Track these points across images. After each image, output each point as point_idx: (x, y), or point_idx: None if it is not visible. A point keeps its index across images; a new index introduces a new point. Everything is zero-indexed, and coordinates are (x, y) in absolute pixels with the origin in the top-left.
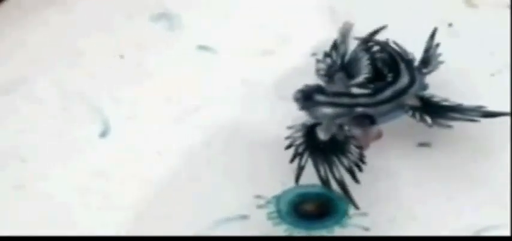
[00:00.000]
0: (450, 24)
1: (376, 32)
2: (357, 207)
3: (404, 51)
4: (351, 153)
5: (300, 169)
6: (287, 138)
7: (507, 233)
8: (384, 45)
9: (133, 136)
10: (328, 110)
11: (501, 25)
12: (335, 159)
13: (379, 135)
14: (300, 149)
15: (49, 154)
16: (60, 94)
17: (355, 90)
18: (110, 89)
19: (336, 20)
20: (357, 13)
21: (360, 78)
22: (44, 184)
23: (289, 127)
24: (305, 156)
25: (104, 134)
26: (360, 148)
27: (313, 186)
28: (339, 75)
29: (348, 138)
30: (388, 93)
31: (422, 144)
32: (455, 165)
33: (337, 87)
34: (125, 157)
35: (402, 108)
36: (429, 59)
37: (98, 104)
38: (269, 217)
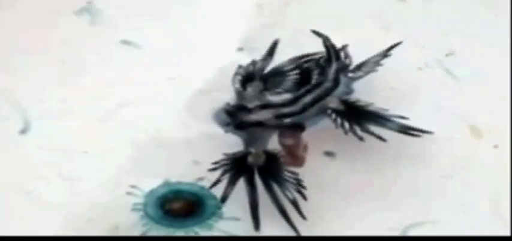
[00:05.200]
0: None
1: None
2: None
3: (343, 53)
4: (290, 183)
5: (217, 182)
6: (215, 163)
7: (432, 230)
8: (324, 40)
9: (58, 134)
10: (256, 128)
11: (430, 18)
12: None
13: (305, 147)
14: (229, 174)
15: None
16: None
17: (274, 99)
18: (34, 85)
19: (263, 16)
20: (284, 8)
21: (280, 88)
22: None
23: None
24: (232, 183)
25: (25, 131)
26: (296, 174)
27: (192, 184)
28: (254, 84)
29: (280, 165)
30: (310, 97)
31: (328, 153)
32: (361, 172)
33: (250, 95)
34: (49, 156)
35: (325, 111)
36: (364, 66)
37: (21, 101)
38: (133, 208)
